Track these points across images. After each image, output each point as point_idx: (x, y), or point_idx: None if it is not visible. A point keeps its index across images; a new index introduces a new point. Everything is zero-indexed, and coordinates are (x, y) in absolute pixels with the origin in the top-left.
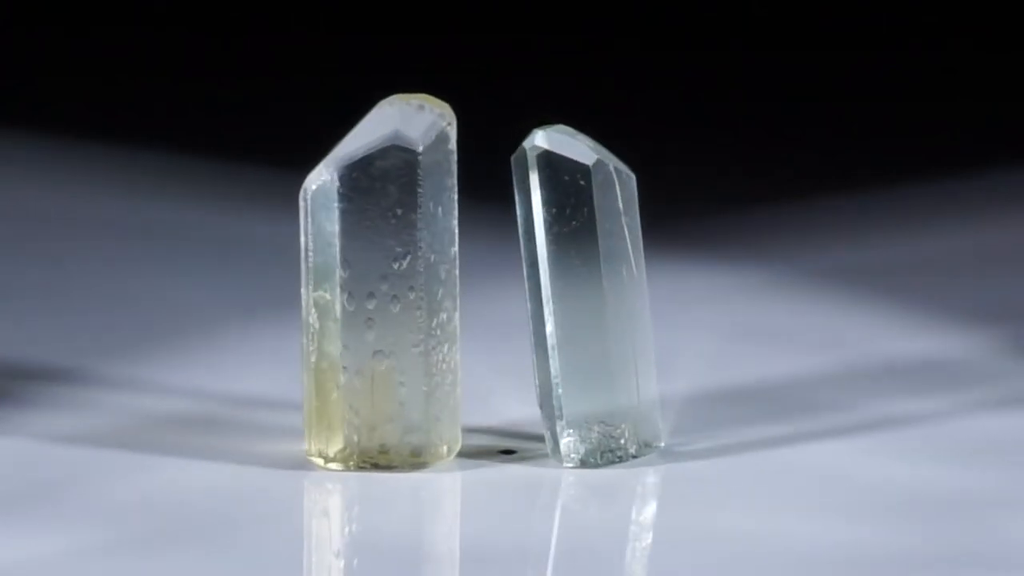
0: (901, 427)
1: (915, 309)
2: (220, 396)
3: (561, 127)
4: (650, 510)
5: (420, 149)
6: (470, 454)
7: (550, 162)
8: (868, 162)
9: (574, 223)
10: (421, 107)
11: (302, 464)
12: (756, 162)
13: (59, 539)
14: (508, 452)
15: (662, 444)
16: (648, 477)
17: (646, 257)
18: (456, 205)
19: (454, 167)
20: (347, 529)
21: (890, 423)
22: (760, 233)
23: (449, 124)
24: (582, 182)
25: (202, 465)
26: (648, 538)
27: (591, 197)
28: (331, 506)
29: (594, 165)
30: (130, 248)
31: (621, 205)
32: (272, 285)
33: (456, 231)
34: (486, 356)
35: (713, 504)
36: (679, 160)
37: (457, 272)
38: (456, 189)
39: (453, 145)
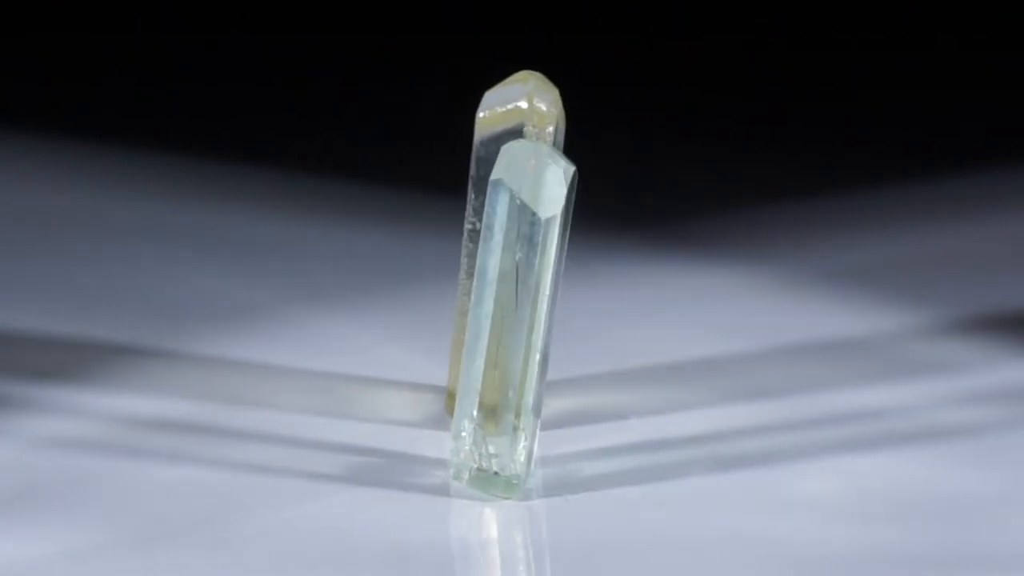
0: (902, 429)
1: (915, 308)
2: (219, 397)
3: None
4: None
5: (479, 130)
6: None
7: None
8: (867, 162)
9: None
10: (519, 93)
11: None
12: (756, 162)
13: (61, 539)
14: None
15: (514, 472)
16: (640, 476)
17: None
18: None
19: None
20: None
21: (891, 424)
22: (760, 233)
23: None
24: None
25: (201, 465)
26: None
27: (485, 209)
28: (319, 508)
29: (493, 182)
30: (130, 248)
31: (516, 235)
32: (274, 285)
33: None
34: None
35: (713, 505)
36: (679, 160)
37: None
38: None
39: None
